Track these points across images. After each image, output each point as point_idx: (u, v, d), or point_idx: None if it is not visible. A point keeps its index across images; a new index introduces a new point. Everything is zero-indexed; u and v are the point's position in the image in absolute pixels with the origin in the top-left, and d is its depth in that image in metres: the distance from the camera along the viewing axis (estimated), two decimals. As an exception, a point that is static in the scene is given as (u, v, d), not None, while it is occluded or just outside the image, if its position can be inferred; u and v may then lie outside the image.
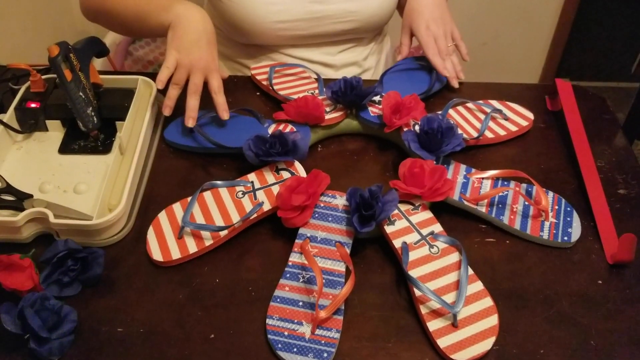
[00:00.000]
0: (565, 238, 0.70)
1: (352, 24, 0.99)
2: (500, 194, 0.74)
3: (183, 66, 0.80)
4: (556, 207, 0.74)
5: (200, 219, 0.70)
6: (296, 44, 1.01)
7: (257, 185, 0.74)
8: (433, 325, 0.60)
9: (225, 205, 0.71)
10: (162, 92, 0.81)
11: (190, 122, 0.80)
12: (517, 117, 0.87)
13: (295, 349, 0.58)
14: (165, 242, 0.68)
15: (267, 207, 0.71)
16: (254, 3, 0.94)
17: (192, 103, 0.80)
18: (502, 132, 0.85)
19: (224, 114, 0.82)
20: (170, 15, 0.81)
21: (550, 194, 0.75)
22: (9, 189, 0.71)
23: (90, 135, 0.81)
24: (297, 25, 0.97)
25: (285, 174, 0.75)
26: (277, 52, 1.02)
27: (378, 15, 1.01)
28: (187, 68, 0.80)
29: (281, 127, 0.83)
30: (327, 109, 0.86)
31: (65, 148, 0.80)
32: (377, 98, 0.89)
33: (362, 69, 1.08)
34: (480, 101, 0.90)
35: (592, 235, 0.72)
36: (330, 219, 0.70)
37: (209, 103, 0.81)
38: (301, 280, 0.64)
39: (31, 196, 0.70)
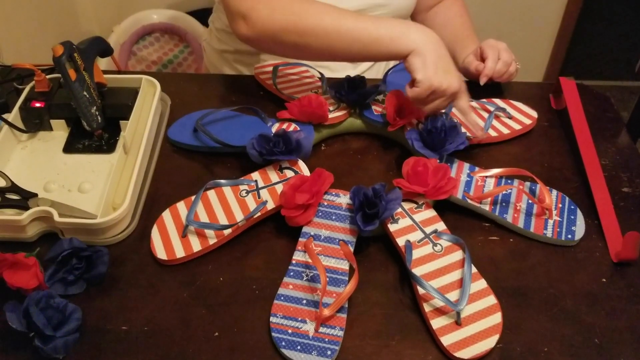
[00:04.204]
0: (569, 236, 0.70)
1: None
2: (504, 192, 0.74)
3: (438, 93, 0.76)
4: (560, 205, 0.73)
5: (204, 217, 0.70)
6: None
7: (260, 184, 0.74)
8: (437, 323, 0.60)
9: (229, 204, 0.72)
10: (164, 91, 0.81)
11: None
12: (521, 116, 0.87)
13: (299, 347, 0.58)
14: (170, 241, 0.68)
15: (270, 205, 0.71)
16: None
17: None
18: (505, 131, 0.85)
19: (479, 132, 0.81)
20: (410, 43, 0.76)
21: (554, 192, 0.75)
22: (14, 187, 0.71)
23: (94, 135, 0.81)
24: None
25: (289, 173, 0.75)
26: None
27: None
28: (441, 94, 0.77)
29: (285, 126, 0.84)
30: (331, 108, 0.86)
31: (70, 147, 0.80)
32: (380, 97, 0.89)
33: (357, 66, 1.07)
34: (484, 100, 0.90)
35: (596, 234, 0.72)
36: (333, 217, 0.70)
37: (210, 103, 0.81)
38: (305, 278, 0.64)
39: (36, 195, 0.71)
